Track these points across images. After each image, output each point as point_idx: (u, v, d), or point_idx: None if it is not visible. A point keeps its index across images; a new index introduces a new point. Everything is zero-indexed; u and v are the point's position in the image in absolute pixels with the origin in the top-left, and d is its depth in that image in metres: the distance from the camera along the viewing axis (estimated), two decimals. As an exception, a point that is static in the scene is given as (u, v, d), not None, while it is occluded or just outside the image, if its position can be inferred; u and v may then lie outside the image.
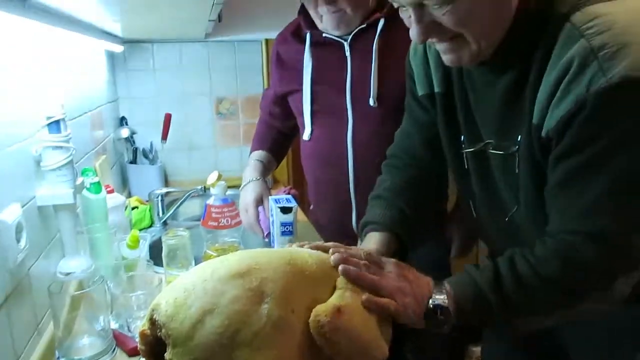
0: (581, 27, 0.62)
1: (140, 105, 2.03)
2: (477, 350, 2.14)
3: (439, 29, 0.66)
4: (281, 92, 1.33)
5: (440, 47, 0.71)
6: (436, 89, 0.85)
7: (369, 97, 1.14)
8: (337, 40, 1.18)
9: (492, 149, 0.77)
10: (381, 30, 1.13)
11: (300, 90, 1.24)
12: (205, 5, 1.07)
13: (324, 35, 1.19)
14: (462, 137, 0.82)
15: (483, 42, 0.67)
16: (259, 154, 1.39)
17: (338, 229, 1.25)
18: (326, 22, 1.14)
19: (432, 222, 1.03)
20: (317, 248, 0.77)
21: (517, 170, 0.73)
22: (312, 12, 1.16)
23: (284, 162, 2.17)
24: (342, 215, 1.26)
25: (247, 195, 1.28)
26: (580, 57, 0.61)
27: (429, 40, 0.69)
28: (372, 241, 0.86)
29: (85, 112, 1.39)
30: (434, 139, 0.89)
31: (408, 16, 0.68)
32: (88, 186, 1.05)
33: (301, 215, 1.46)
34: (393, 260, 0.76)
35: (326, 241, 1.33)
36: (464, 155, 0.83)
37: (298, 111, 1.28)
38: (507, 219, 0.79)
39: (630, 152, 0.62)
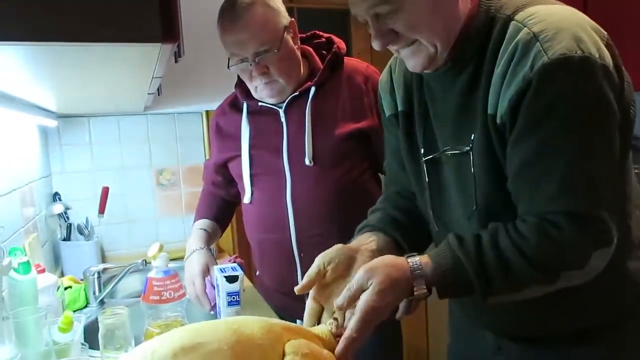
0: (523, 21, 0.71)
1: (76, 180, 1.95)
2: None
3: (396, 36, 0.74)
4: (221, 160, 1.36)
5: (402, 54, 0.78)
6: (399, 108, 0.91)
7: (305, 157, 1.20)
8: (272, 108, 1.24)
9: (447, 151, 0.81)
10: (312, 97, 1.21)
11: (239, 155, 1.28)
12: (144, 80, 1.08)
13: (259, 103, 1.26)
14: (421, 150, 0.87)
15: (438, 44, 0.74)
16: (203, 222, 1.37)
17: (285, 290, 1.24)
18: (261, 92, 1.21)
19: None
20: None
21: (472, 170, 0.77)
22: (247, 84, 1.23)
23: (228, 231, 2.14)
24: (287, 275, 1.25)
25: (193, 266, 1.24)
26: (524, 41, 0.69)
27: (391, 48, 0.77)
28: (366, 238, 0.88)
29: (14, 189, 1.32)
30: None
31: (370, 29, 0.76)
32: (16, 266, 0.98)
33: (247, 283, 1.43)
34: (366, 272, 0.72)
35: (274, 305, 1.30)
36: (423, 166, 0.86)
37: (238, 176, 1.31)
38: (467, 221, 0.81)
39: (582, 125, 0.67)
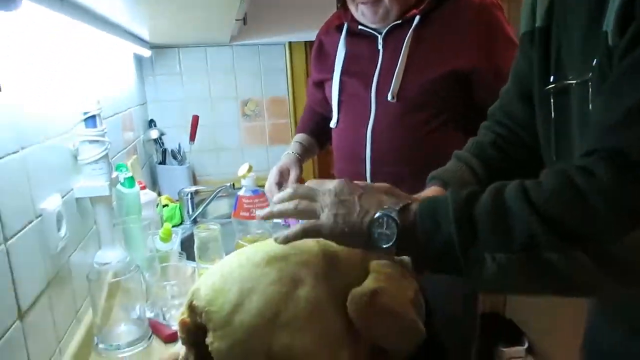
0: None
1: (168, 108, 2.07)
2: (507, 351, 2.10)
3: None
4: (317, 80, 1.36)
5: None
6: (537, 23, 0.74)
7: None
8: (371, 33, 1.19)
9: (572, 80, 0.65)
10: (415, 27, 1.14)
11: (331, 79, 1.27)
12: (232, 4, 1.08)
13: (359, 27, 1.21)
14: (551, 77, 0.71)
15: None
16: (300, 136, 1.40)
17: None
18: (365, 15, 1.16)
19: None
20: None
21: (589, 107, 0.60)
22: (351, 6, 1.19)
23: (310, 168, 2.18)
24: None
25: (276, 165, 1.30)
26: None
27: None
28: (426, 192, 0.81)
29: (117, 113, 1.42)
30: (530, 93, 0.78)
31: None
32: (122, 181, 1.07)
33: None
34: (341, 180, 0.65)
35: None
36: (550, 96, 0.70)
37: (330, 98, 1.31)
38: None
39: None
